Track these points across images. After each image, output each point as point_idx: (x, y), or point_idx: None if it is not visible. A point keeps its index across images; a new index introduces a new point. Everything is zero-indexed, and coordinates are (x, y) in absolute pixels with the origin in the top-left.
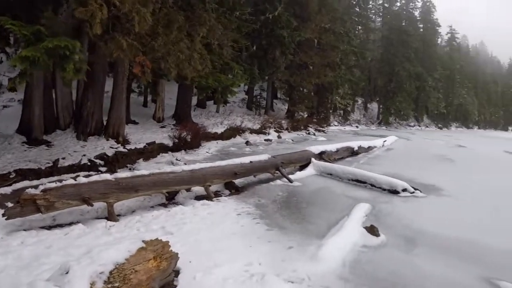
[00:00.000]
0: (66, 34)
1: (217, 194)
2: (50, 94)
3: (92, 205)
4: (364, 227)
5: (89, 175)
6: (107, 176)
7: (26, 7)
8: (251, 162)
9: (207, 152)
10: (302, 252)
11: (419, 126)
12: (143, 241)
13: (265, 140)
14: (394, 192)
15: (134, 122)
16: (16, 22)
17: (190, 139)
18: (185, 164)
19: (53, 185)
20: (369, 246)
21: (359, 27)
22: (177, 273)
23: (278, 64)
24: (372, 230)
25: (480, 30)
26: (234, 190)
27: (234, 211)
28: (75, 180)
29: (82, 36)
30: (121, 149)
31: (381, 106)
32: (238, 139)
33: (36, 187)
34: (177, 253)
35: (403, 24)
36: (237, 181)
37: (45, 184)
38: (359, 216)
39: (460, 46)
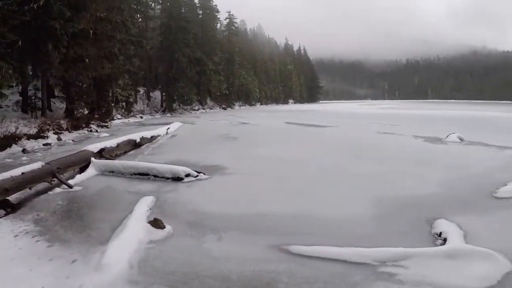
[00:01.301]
0: None
1: None
2: None
3: None
4: (148, 222)
5: None
6: None
7: None
8: (22, 173)
9: None
10: (86, 263)
11: (204, 109)
12: None
13: (44, 144)
14: (177, 179)
15: None
16: None
17: None
18: None
19: None
20: (156, 241)
21: (138, 15)
22: None
23: (51, 59)
24: (156, 223)
25: (257, 14)
26: (10, 208)
27: (11, 232)
28: None
29: None
30: None
31: (164, 94)
32: (15, 148)
33: None
34: None
35: (183, 11)
36: (13, 197)
37: None
38: (142, 211)
39: (239, 30)
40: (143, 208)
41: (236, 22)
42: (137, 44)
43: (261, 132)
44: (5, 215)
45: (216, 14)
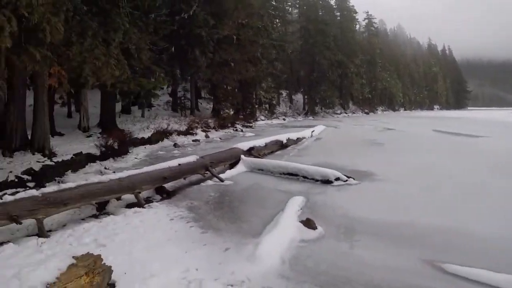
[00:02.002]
0: None
1: (148, 200)
2: None
3: (20, 223)
4: (300, 221)
5: (17, 192)
6: (34, 192)
7: None
8: (179, 164)
9: (135, 158)
10: (239, 252)
11: (346, 113)
12: (73, 257)
13: (193, 140)
14: (327, 182)
15: (60, 134)
16: None
17: (118, 146)
18: (114, 172)
19: None
20: (307, 240)
21: (277, 20)
22: (112, 286)
23: (199, 63)
24: (308, 223)
25: (397, 13)
26: (165, 194)
27: (167, 216)
28: (1, 198)
29: None
30: (48, 162)
31: (306, 97)
32: (166, 142)
33: None
34: (110, 266)
35: (320, 13)
36: (168, 185)
37: None
38: (294, 210)
39: (378, 31)
40: (294, 207)
41: (375, 23)
42: (278, 48)
43: (408, 139)
44: (161, 200)
45: (354, 15)
